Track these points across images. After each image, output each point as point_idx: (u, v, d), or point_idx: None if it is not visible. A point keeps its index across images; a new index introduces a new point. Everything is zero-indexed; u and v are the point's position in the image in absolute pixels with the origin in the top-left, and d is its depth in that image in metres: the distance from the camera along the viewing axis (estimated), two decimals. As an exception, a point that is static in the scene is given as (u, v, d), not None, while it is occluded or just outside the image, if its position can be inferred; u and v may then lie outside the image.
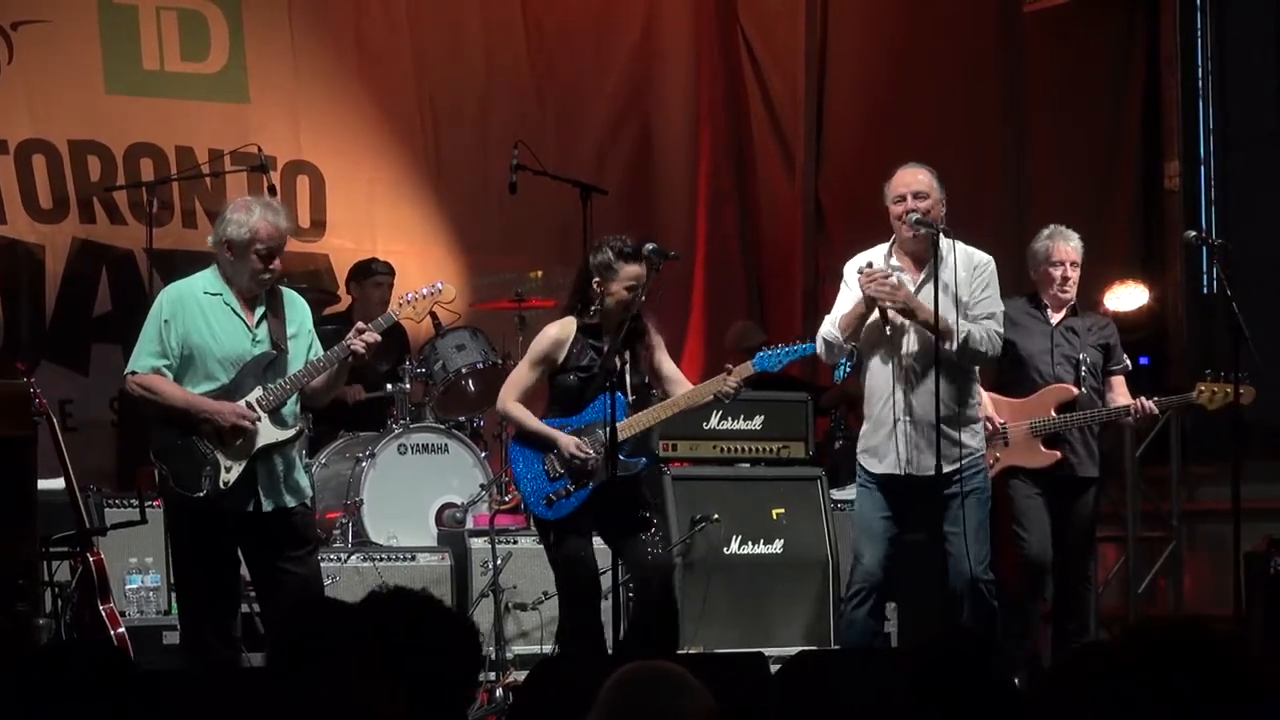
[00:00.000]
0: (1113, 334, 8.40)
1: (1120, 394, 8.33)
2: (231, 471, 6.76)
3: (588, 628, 7.13)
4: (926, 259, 7.33)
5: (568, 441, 7.16)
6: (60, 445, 7.52)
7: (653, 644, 6.94)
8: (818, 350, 7.44)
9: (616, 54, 11.70)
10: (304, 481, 7.02)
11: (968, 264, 7.36)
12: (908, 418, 7.34)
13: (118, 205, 10.22)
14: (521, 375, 7.33)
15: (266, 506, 6.82)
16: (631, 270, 7.18)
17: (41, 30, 10.16)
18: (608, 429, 7.05)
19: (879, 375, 7.40)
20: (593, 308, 7.22)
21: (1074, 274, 8.24)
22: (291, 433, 6.90)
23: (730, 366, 7.24)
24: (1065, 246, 8.24)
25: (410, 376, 9.25)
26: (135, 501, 8.02)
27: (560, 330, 7.27)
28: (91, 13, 10.32)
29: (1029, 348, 8.21)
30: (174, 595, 8.04)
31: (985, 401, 7.91)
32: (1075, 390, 8.18)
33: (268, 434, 6.82)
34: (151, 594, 8.19)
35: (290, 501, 6.90)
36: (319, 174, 10.83)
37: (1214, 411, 8.34)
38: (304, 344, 6.97)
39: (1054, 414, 8.12)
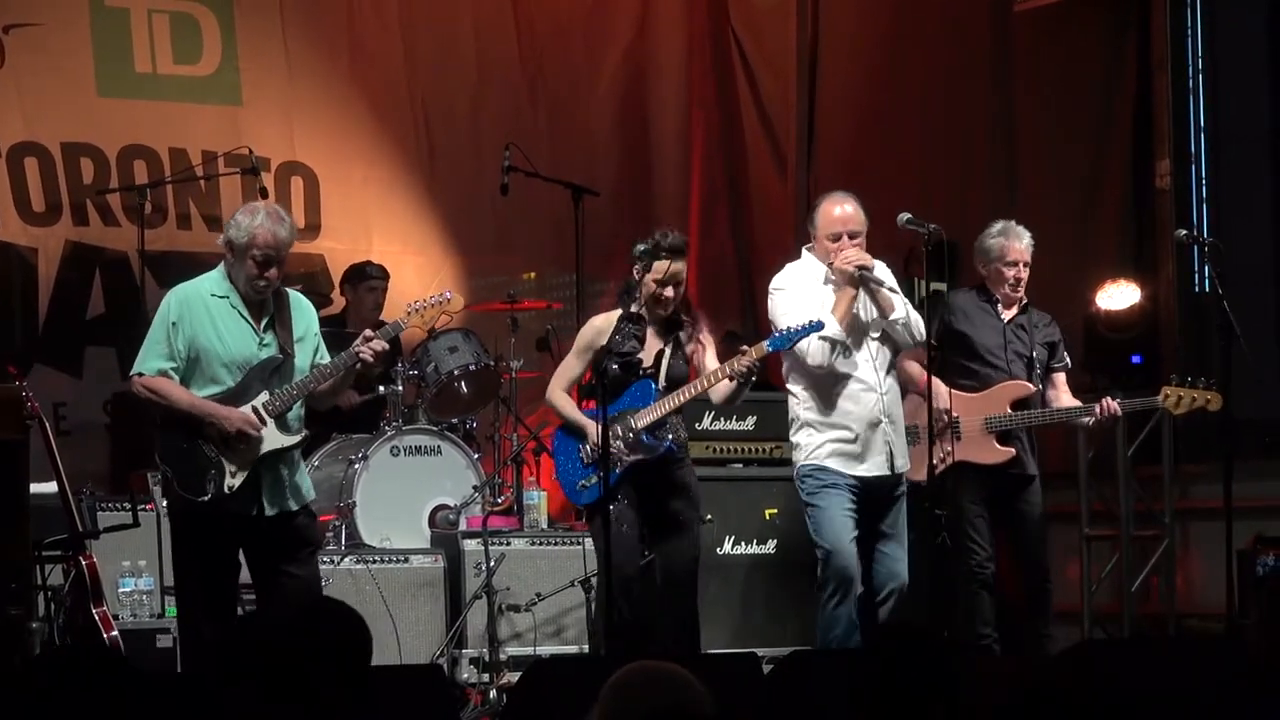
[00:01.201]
0: (1056, 332, 8.36)
1: (1063, 390, 8.31)
2: (236, 476, 6.76)
3: (618, 614, 7.14)
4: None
5: (594, 432, 7.25)
6: (53, 449, 7.52)
7: (672, 648, 7.01)
8: (815, 357, 7.42)
9: (608, 55, 11.71)
10: (306, 484, 7.02)
11: (882, 269, 7.59)
12: (886, 418, 7.50)
13: (111, 208, 10.22)
14: (567, 366, 7.54)
15: (270, 511, 6.82)
16: (661, 265, 7.28)
17: (33, 33, 10.16)
18: (636, 417, 7.26)
19: (849, 381, 7.48)
20: (636, 296, 7.36)
21: (1025, 273, 8.18)
22: (296, 439, 6.90)
23: (746, 347, 7.28)
24: (1019, 246, 8.16)
25: (403, 378, 9.24)
26: (128, 505, 8.02)
27: (604, 320, 7.46)
28: (83, 16, 10.32)
29: (983, 341, 8.14)
30: (166, 598, 8.07)
31: (941, 394, 7.93)
32: (1032, 387, 8.13)
33: (273, 439, 6.82)
34: (145, 597, 8.17)
35: (293, 505, 6.90)
36: (313, 175, 10.83)
37: (1180, 416, 8.32)
38: (310, 348, 6.96)
39: (1009, 410, 8.09)
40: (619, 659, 3.69)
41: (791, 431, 7.65)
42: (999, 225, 8.24)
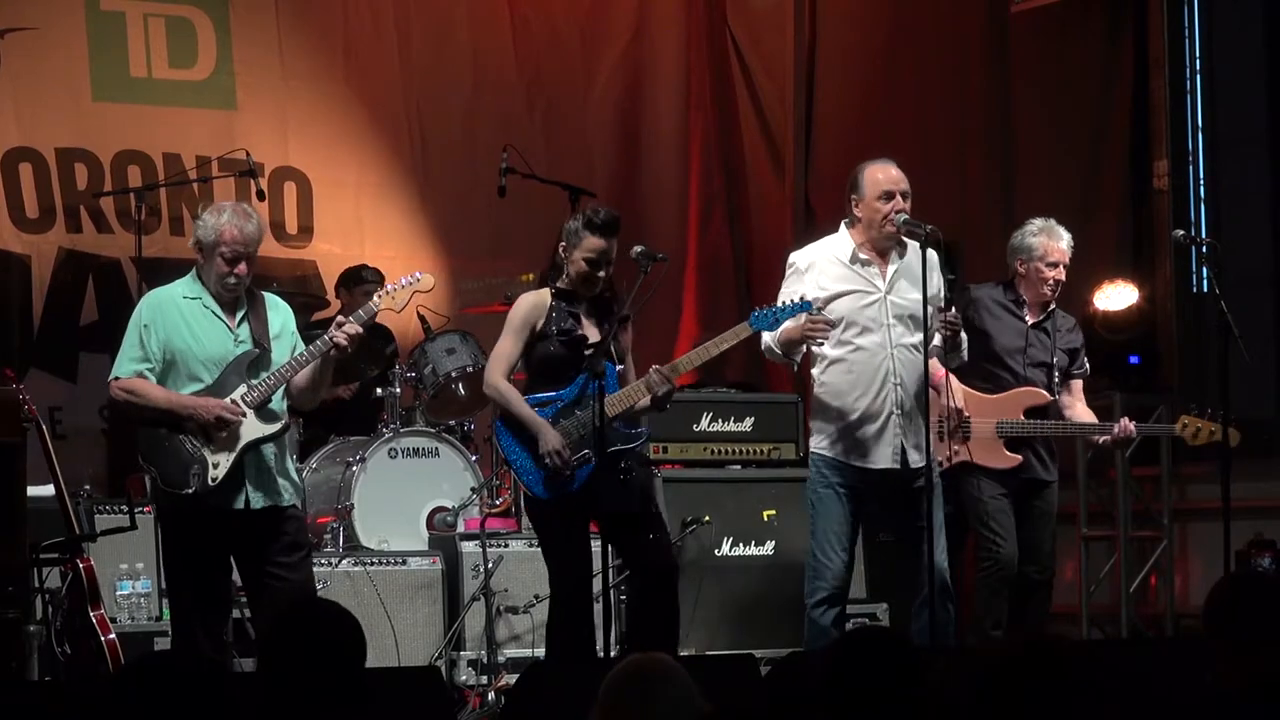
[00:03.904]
0: (1079, 338, 8.23)
1: (1078, 398, 8.18)
2: (219, 468, 6.75)
3: (575, 625, 7.01)
4: (891, 252, 7.36)
5: (551, 440, 6.92)
6: (50, 452, 7.52)
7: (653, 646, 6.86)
8: (764, 346, 7.30)
9: (605, 57, 11.69)
10: (294, 478, 7.01)
11: (917, 256, 7.36)
12: (899, 410, 7.30)
13: (104, 214, 10.21)
14: (505, 348, 7.09)
15: (256, 503, 6.81)
16: (594, 242, 6.99)
17: (29, 38, 10.15)
18: (597, 404, 6.89)
19: (862, 368, 7.27)
20: (563, 274, 7.08)
21: (1063, 276, 8.06)
22: (277, 427, 6.87)
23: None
24: (1061, 246, 8.02)
25: (400, 380, 9.24)
26: (125, 508, 8.01)
27: (536, 296, 7.10)
28: (79, 20, 10.30)
29: (1004, 344, 7.99)
30: (164, 601, 8.07)
31: (956, 392, 7.86)
32: (1049, 396, 8.01)
33: (254, 429, 6.81)
34: (142, 600, 8.18)
35: (281, 499, 6.88)
36: (306, 180, 10.82)
37: (1194, 446, 8.22)
38: (287, 345, 6.96)
39: (1023, 417, 7.96)
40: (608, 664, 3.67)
41: (812, 416, 7.49)
42: (1039, 223, 8.07)
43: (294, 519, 6.95)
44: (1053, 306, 8.13)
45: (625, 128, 11.72)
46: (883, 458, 7.28)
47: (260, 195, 9.30)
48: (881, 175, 7.39)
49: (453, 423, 9.33)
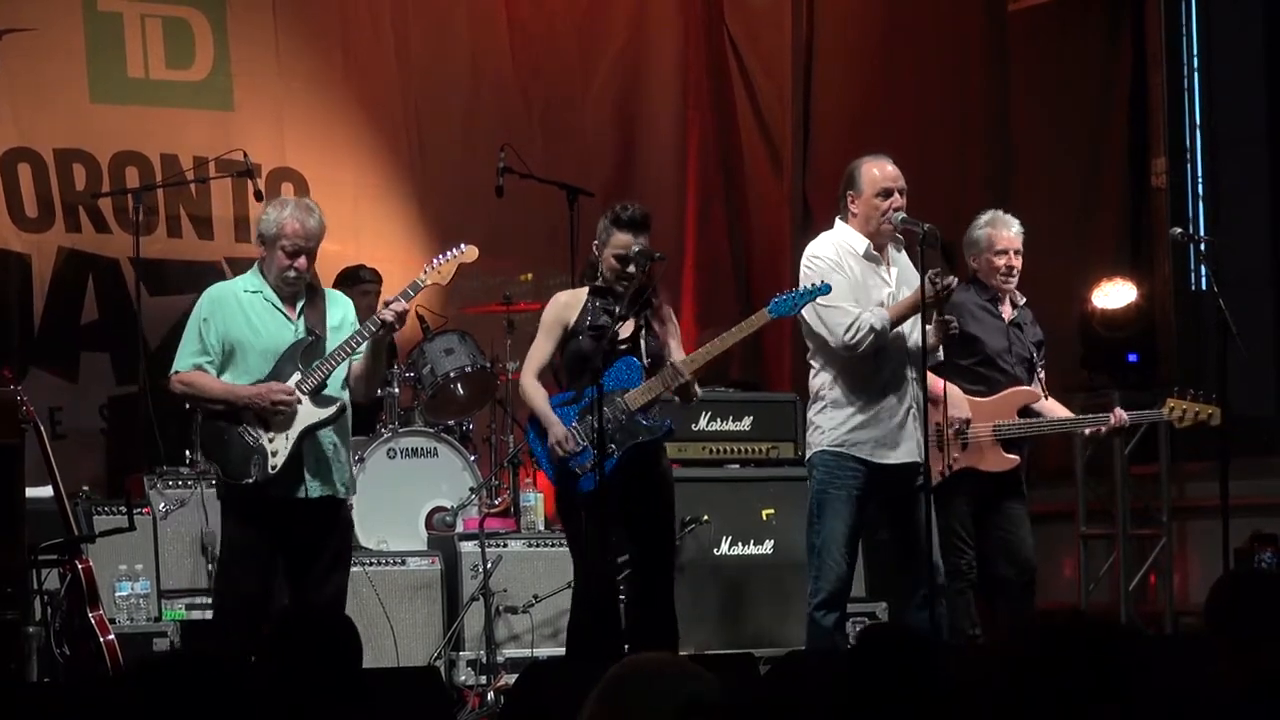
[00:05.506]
0: (1040, 330, 8.13)
1: (1043, 390, 8.09)
2: (278, 455, 6.84)
3: (597, 624, 7.00)
4: (889, 249, 7.38)
5: (556, 432, 6.99)
6: (48, 453, 7.52)
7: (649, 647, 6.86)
8: (857, 337, 7.12)
9: (602, 57, 11.68)
10: (351, 471, 7.14)
11: (905, 254, 7.42)
12: (915, 405, 7.27)
13: (103, 214, 10.20)
14: (538, 349, 7.18)
15: (314, 492, 6.91)
16: (622, 238, 7.05)
17: (27, 39, 10.14)
18: (628, 398, 7.01)
19: (884, 362, 7.23)
20: (599, 273, 7.14)
21: (1018, 262, 7.92)
22: (333, 410, 6.95)
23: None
24: (1007, 234, 7.92)
25: (399, 380, 9.24)
26: (124, 509, 8.00)
27: (570, 295, 7.19)
28: (77, 21, 10.30)
29: (993, 345, 7.90)
30: (163, 602, 8.12)
31: (959, 399, 7.80)
32: (1038, 393, 7.94)
33: (309, 414, 6.90)
34: (141, 601, 8.17)
35: (338, 491, 6.98)
36: (303, 181, 10.79)
37: (1184, 429, 8.18)
38: (345, 337, 7.02)
39: (1017, 417, 7.87)
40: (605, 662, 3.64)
41: (813, 410, 7.34)
42: (986, 215, 8.01)
43: (346, 523, 7.10)
44: (1023, 300, 8.07)
45: (623, 127, 11.70)
46: (906, 451, 7.25)
47: (258, 196, 9.29)
48: (879, 172, 7.38)
49: (451, 423, 9.32)
